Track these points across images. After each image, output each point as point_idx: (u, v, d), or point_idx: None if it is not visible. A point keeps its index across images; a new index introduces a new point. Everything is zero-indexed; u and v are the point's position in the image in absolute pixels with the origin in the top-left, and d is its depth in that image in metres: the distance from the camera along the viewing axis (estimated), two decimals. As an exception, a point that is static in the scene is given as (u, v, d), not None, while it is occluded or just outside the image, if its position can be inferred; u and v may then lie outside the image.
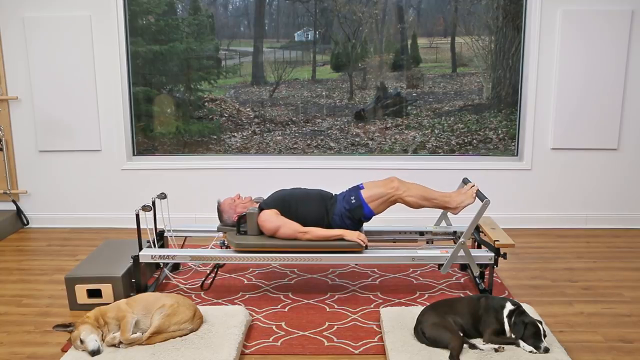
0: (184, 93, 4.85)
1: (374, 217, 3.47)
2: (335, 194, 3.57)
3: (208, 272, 3.71)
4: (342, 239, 3.37)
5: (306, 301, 3.47)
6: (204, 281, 3.66)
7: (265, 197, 3.66)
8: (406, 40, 4.75)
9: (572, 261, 4.12)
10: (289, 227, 3.39)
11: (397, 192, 3.37)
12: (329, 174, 4.79)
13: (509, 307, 2.83)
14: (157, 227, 3.80)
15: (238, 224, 3.50)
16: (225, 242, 3.60)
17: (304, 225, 3.41)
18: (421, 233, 3.83)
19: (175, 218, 4.19)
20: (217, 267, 3.68)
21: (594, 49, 4.53)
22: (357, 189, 3.48)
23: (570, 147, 4.73)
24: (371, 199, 3.39)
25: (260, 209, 3.49)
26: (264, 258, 3.41)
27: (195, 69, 4.81)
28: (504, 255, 3.40)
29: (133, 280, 3.43)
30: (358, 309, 3.35)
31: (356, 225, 3.47)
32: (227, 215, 3.58)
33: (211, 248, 3.73)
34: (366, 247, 3.40)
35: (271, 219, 3.41)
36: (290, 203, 3.47)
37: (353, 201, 3.42)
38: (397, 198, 3.39)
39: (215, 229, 3.76)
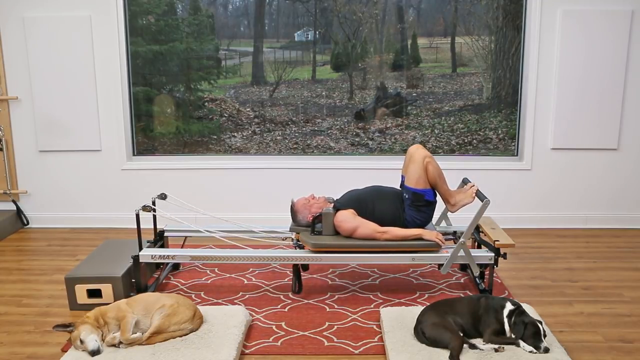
0: (184, 93, 4.85)
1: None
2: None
3: (293, 276, 3.60)
4: (421, 239, 3.37)
5: (306, 301, 3.47)
6: (293, 285, 3.59)
7: (337, 197, 3.63)
8: (406, 40, 4.75)
9: (572, 261, 4.12)
10: (367, 227, 3.38)
11: (425, 158, 3.38)
12: (329, 174, 4.79)
13: (509, 307, 2.83)
14: (157, 227, 3.80)
15: (313, 224, 3.48)
16: (299, 242, 3.54)
17: (381, 224, 3.40)
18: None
19: (175, 218, 4.18)
20: (298, 268, 3.56)
21: (594, 48, 4.53)
22: (402, 184, 3.51)
23: (570, 147, 4.73)
24: (417, 182, 3.39)
25: (336, 209, 3.47)
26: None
27: (195, 69, 4.81)
28: (504, 255, 3.40)
29: (133, 280, 3.43)
30: (358, 309, 3.35)
31: (427, 215, 3.46)
32: (301, 215, 3.54)
33: (282, 248, 3.67)
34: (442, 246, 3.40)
35: (348, 219, 3.40)
36: (367, 203, 3.46)
37: (407, 196, 3.44)
38: (426, 164, 3.38)
39: (217, 229, 3.77)
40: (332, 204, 3.53)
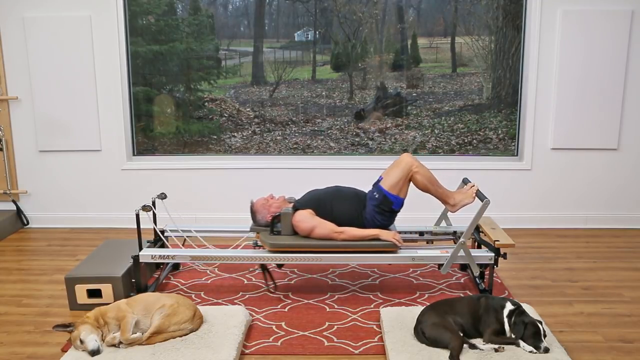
0: (184, 93, 4.85)
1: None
2: (367, 193, 3.56)
3: (264, 276, 3.63)
4: (378, 239, 3.37)
5: (306, 301, 3.47)
6: (267, 284, 3.60)
7: (297, 197, 3.64)
8: (406, 40, 4.75)
9: (572, 261, 4.12)
10: (324, 227, 3.38)
11: (411, 167, 3.37)
12: (329, 174, 4.79)
13: (509, 307, 2.83)
14: (157, 227, 3.80)
15: (272, 224, 3.49)
16: (258, 242, 3.57)
17: (339, 224, 3.40)
18: (421, 233, 3.83)
19: (175, 218, 4.18)
20: (265, 268, 3.59)
21: (594, 48, 4.53)
22: (377, 182, 3.49)
23: (570, 147, 4.73)
24: (392, 186, 3.38)
25: (295, 209, 3.48)
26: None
27: (195, 69, 4.81)
28: (504, 255, 3.40)
29: (133, 280, 3.43)
30: (358, 309, 3.35)
31: (388, 220, 3.46)
32: (260, 215, 3.55)
33: (242, 248, 3.70)
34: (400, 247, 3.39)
35: (306, 219, 3.40)
36: (325, 203, 3.46)
37: (376, 196, 3.42)
38: (412, 174, 3.38)
39: (217, 229, 3.78)
40: (292, 204, 3.54)
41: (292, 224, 3.44)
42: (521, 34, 4.66)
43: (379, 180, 3.48)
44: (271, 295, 3.56)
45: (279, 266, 3.71)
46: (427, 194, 3.48)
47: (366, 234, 3.37)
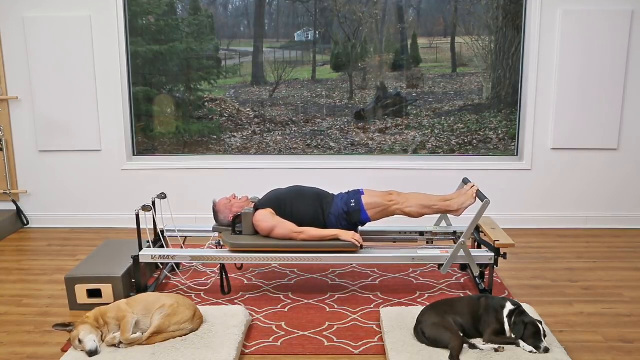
0: (184, 93, 4.85)
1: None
2: (334, 194, 3.57)
3: (220, 276, 3.63)
4: (338, 239, 3.37)
5: (306, 301, 3.47)
6: (222, 286, 3.62)
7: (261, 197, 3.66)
8: (406, 40, 4.75)
9: (572, 261, 4.12)
10: (284, 227, 3.38)
11: (395, 205, 3.40)
12: (329, 174, 4.79)
13: (509, 307, 2.83)
14: (157, 227, 3.80)
15: (233, 224, 3.50)
16: (221, 242, 3.59)
17: (300, 224, 3.41)
18: (421, 233, 3.83)
19: (175, 218, 4.19)
20: (224, 269, 3.61)
21: (594, 48, 4.53)
22: (357, 193, 3.48)
23: (570, 147, 4.73)
24: (370, 207, 3.41)
25: (256, 208, 3.49)
26: (259, 258, 3.41)
27: (195, 69, 4.81)
28: (504, 255, 3.40)
29: (133, 280, 3.43)
30: (358, 309, 3.35)
31: (351, 228, 3.47)
32: (222, 215, 3.57)
33: (207, 248, 3.72)
34: (361, 247, 3.39)
35: (266, 218, 3.40)
36: (286, 202, 3.46)
37: (353, 204, 3.42)
38: (396, 210, 3.41)
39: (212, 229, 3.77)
40: (254, 204, 3.54)
41: (252, 224, 3.44)
42: (521, 34, 4.66)
43: (359, 192, 3.48)
44: (271, 295, 3.56)
45: (239, 268, 3.74)
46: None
47: (326, 234, 3.37)
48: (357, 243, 3.35)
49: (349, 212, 3.42)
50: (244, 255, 3.41)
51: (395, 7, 4.68)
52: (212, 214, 3.62)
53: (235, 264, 3.84)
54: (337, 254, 3.39)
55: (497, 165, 4.81)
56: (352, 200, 3.43)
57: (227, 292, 3.55)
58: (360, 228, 3.62)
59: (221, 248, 3.57)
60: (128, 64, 4.77)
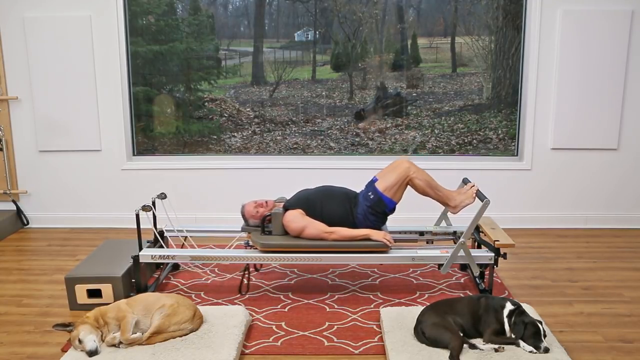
0: (184, 93, 4.85)
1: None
2: (357, 193, 3.56)
3: (242, 276, 3.64)
4: (368, 239, 3.36)
5: (306, 301, 3.47)
6: (240, 286, 3.62)
7: (288, 197, 3.64)
8: (406, 40, 4.75)
9: (572, 261, 4.12)
10: (315, 227, 3.38)
11: (408, 172, 3.36)
12: (329, 174, 4.79)
13: (509, 307, 2.83)
14: (157, 227, 3.80)
15: (263, 224, 3.49)
16: (250, 242, 3.57)
17: (330, 224, 3.40)
18: (421, 233, 3.83)
19: (175, 218, 4.19)
20: (247, 269, 3.60)
21: (594, 49, 4.53)
22: (371, 183, 3.48)
23: (570, 147, 4.73)
24: (387, 189, 3.38)
25: (285, 209, 3.48)
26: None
27: (195, 69, 4.81)
28: (504, 255, 3.40)
29: (133, 280, 3.43)
30: (358, 309, 3.35)
31: (380, 221, 3.46)
32: (251, 221, 3.55)
33: (234, 248, 3.71)
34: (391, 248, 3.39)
35: (296, 219, 3.40)
36: (315, 203, 3.46)
37: (371, 196, 3.41)
38: (409, 179, 3.37)
39: (217, 229, 3.77)
40: (282, 204, 3.53)
41: (282, 224, 3.44)
42: (521, 34, 4.66)
43: (373, 181, 3.47)
44: (271, 295, 3.56)
45: (257, 269, 3.72)
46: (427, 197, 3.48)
47: (357, 234, 3.37)
48: (388, 243, 3.34)
49: (371, 205, 3.40)
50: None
51: (395, 7, 4.68)
52: (241, 215, 3.60)
53: (255, 264, 3.80)
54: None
55: (497, 165, 4.81)
56: (370, 193, 3.43)
57: (244, 293, 3.55)
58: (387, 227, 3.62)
59: (250, 248, 3.55)
60: (128, 64, 4.77)
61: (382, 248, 3.36)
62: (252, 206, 3.57)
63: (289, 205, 3.49)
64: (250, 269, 3.70)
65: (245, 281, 3.63)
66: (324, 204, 3.45)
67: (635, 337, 3.04)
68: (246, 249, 3.56)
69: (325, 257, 3.39)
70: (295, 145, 4.91)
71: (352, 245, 3.37)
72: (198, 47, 4.76)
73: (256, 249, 3.44)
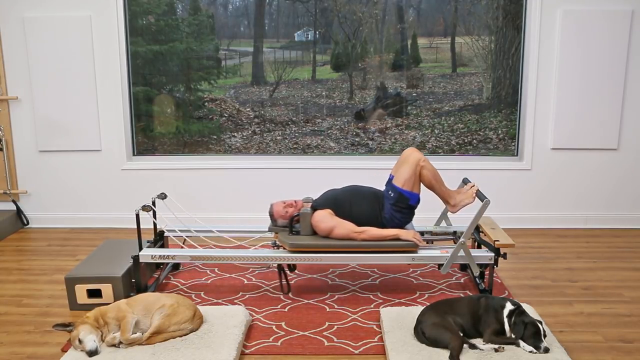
0: (184, 93, 4.85)
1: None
2: (384, 192, 3.55)
3: (279, 278, 3.61)
4: (398, 239, 3.36)
5: (306, 301, 3.47)
6: (282, 285, 3.60)
7: (314, 197, 3.63)
8: (406, 40, 4.75)
9: (572, 261, 4.12)
10: (344, 227, 3.37)
11: (419, 161, 3.36)
12: (329, 174, 4.79)
13: (509, 307, 2.83)
14: (157, 227, 3.80)
15: (291, 224, 3.48)
16: (277, 242, 3.56)
17: (358, 224, 3.40)
18: (421, 233, 3.82)
19: (174, 218, 4.19)
20: (282, 269, 3.56)
21: (594, 48, 4.53)
22: (389, 182, 3.49)
23: (570, 147, 4.73)
24: (405, 183, 3.37)
25: (314, 209, 3.47)
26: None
27: (195, 69, 4.81)
28: (504, 255, 3.40)
29: (133, 280, 3.43)
30: (358, 309, 3.35)
31: (407, 217, 3.46)
32: (280, 221, 3.54)
33: (259, 248, 3.68)
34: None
35: (325, 219, 3.39)
36: (344, 202, 3.45)
37: (392, 194, 3.42)
38: (420, 169, 3.37)
39: (217, 229, 3.77)
40: (310, 204, 3.53)
41: (311, 224, 3.44)
42: (521, 34, 4.66)
43: (390, 179, 3.48)
44: (271, 295, 3.56)
45: (292, 269, 3.68)
46: (430, 191, 3.48)
47: (386, 234, 3.37)
48: (418, 242, 3.34)
49: (394, 203, 3.40)
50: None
51: (395, 7, 4.68)
52: (269, 216, 3.58)
53: (289, 265, 3.74)
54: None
55: (497, 165, 4.81)
56: (390, 192, 3.43)
57: (286, 292, 3.55)
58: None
59: (277, 248, 3.54)
60: (128, 64, 4.77)
61: (412, 248, 3.36)
62: (282, 206, 3.55)
63: (317, 205, 3.48)
64: (285, 269, 3.65)
65: (284, 281, 3.60)
66: (353, 203, 3.45)
67: (635, 337, 3.04)
68: (274, 249, 3.54)
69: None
70: (295, 145, 4.91)
71: (381, 245, 3.37)
72: (198, 47, 4.76)
73: (284, 248, 3.43)
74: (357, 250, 3.37)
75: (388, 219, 3.44)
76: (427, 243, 3.84)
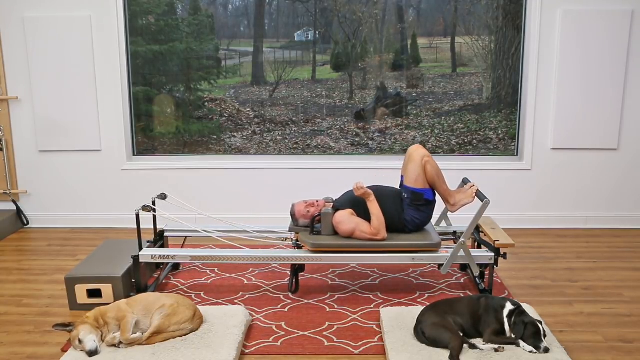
0: (184, 93, 4.85)
1: None
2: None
3: (290, 276, 3.57)
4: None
5: (306, 301, 3.47)
6: (290, 285, 3.59)
7: (335, 197, 3.63)
8: (406, 40, 4.75)
9: (572, 261, 4.12)
10: (365, 227, 3.38)
11: (424, 157, 3.40)
12: (329, 174, 4.79)
13: (509, 307, 2.83)
14: (157, 227, 3.80)
15: (312, 224, 3.48)
16: (298, 242, 3.54)
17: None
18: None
19: (174, 218, 4.19)
20: (296, 269, 3.54)
21: (594, 48, 4.53)
22: (401, 183, 3.51)
23: (570, 147, 4.73)
24: (415, 181, 3.40)
25: (335, 209, 3.48)
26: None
27: (195, 69, 4.81)
28: (504, 255, 3.40)
29: (133, 280, 3.43)
30: (358, 309, 3.35)
31: (426, 214, 3.47)
32: (301, 220, 3.53)
33: (282, 248, 3.67)
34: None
35: (346, 219, 3.40)
36: (364, 203, 3.46)
37: (406, 196, 3.44)
38: (425, 163, 3.40)
39: (217, 229, 3.77)
40: (332, 204, 3.53)
41: (332, 224, 3.44)
42: (521, 34, 4.66)
43: (402, 181, 3.51)
44: (271, 295, 3.56)
45: (301, 269, 3.65)
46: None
47: (376, 212, 3.37)
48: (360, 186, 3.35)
49: (411, 203, 3.42)
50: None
51: (395, 7, 4.68)
52: (290, 215, 3.59)
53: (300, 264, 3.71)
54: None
55: (497, 165, 4.81)
56: (404, 194, 3.46)
57: (294, 291, 3.54)
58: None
59: (299, 248, 3.53)
60: (128, 64, 4.77)
61: (434, 247, 3.37)
62: (303, 206, 3.55)
63: (339, 206, 3.49)
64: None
65: (295, 280, 3.58)
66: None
67: (635, 337, 3.04)
68: (295, 249, 3.53)
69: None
70: (295, 145, 4.91)
71: (404, 245, 3.37)
72: (198, 47, 4.76)
73: (306, 248, 3.42)
74: (379, 250, 3.38)
75: (409, 221, 3.45)
76: None
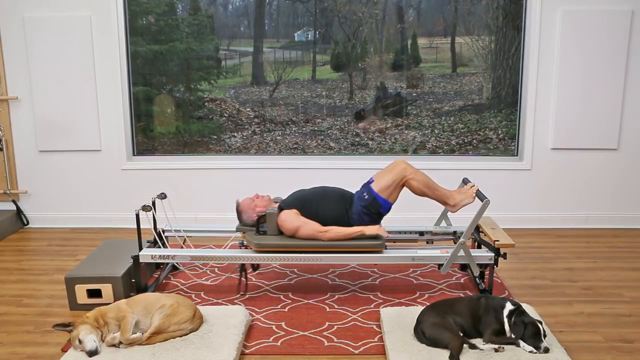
0: (184, 93, 4.85)
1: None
2: (353, 193, 3.56)
3: (239, 276, 3.61)
4: (363, 235, 3.36)
5: (306, 301, 3.47)
6: (238, 286, 3.60)
7: (283, 197, 3.64)
8: (406, 40, 4.75)
9: (572, 261, 4.12)
10: (309, 227, 3.38)
11: (405, 173, 3.36)
12: (329, 174, 4.79)
13: (509, 307, 2.83)
14: (157, 227, 3.80)
15: (257, 224, 3.49)
16: (245, 242, 3.57)
17: (324, 225, 3.40)
18: (421, 233, 3.83)
19: (174, 218, 4.19)
20: (243, 269, 3.57)
21: (594, 49, 4.53)
22: (367, 184, 3.48)
23: (570, 147, 4.73)
24: (383, 190, 3.38)
25: (280, 209, 3.48)
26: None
27: (195, 69, 4.81)
28: (504, 255, 3.40)
29: (133, 280, 3.43)
30: (358, 309, 3.35)
31: (375, 221, 3.46)
32: (246, 215, 3.55)
33: (229, 248, 3.71)
34: (385, 246, 3.39)
35: (291, 218, 3.39)
36: (311, 202, 3.46)
37: (366, 197, 3.42)
38: (405, 180, 3.37)
39: (217, 229, 3.77)
40: (278, 204, 3.53)
41: (277, 224, 3.44)
42: (521, 34, 4.66)
43: (369, 182, 3.48)
44: (271, 295, 3.56)
45: (255, 268, 3.72)
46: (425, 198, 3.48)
47: (351, 232, 3.36)
48: (383, 234, 3.33)
49: (366, 206, 3.41)
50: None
51: (395, 7, 4.68)
52: (236, 214, 3.59)
53: (252, 264, 3.79)
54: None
55: (497, 165, 4.81)
56: (365, 194, 3.43)
57: (243, 292, 3.55)
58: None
59: (245, 248, 3.54)
60: (128, 64, 4.77)
61: (378, 247, 3.36)
62: (248, 199, 3.58)
63: (284, 205, 3.49)
64: (248, 270, 3.69)
65: (244, 280, 3.61)
66: (319, 204, 3.45)
67: (635, 337, 3.04)
68: (240, 249, 3.55)
69: (320, 257, 3.38)
70: (295, 145, 4.90)
71: (348, 244, 3.36)
72: (198, 47, 4.76)
73: (251, 248, 3.43)
74: (323, 251, 3.37)
75: (356, 220, 3.43)
76: (426, 243, 3.85)
